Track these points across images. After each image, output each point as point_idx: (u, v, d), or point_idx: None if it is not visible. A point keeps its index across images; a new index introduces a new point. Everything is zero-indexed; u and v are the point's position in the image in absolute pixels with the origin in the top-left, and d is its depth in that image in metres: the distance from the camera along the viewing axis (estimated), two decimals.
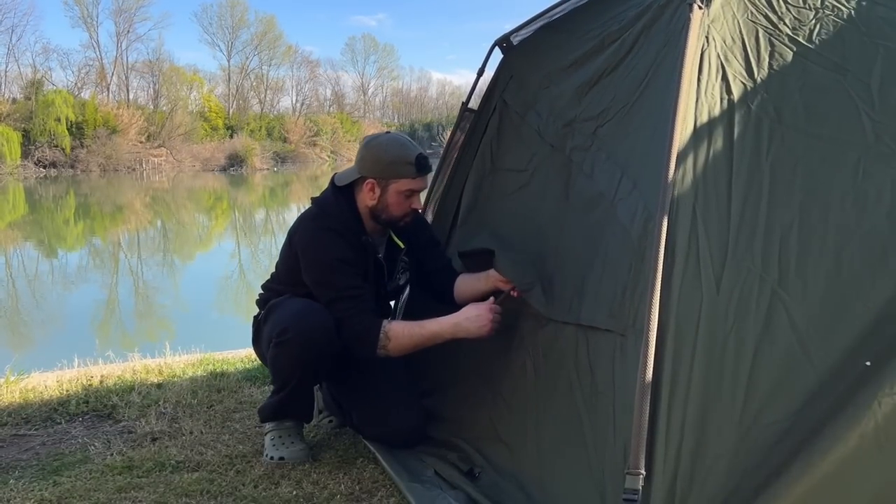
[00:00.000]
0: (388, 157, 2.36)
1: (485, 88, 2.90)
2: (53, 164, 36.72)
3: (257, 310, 2.56)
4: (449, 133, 3.07)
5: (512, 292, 2.26)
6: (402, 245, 2.58)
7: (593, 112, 2.15)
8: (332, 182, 2.48)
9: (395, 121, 73.64)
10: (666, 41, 1.93)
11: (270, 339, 2.33)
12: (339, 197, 2.44)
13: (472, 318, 2.24)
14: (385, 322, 2.33)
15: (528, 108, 2.56)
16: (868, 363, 1.46)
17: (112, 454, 2.49)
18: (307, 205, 2.50)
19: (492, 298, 2.30)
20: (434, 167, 3.12)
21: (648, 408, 1.49)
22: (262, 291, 2.60)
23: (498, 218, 2.56)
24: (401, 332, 2.31)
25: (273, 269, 2.61)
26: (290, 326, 2.27)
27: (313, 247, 2.37)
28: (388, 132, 2.48)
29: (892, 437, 1.41)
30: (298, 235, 2.42)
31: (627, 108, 2.02)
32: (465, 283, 2.56)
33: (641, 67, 2.01)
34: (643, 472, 1.46)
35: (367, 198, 2.41)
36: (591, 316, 1.87)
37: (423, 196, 2.63)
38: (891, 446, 1.41)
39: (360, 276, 2.39)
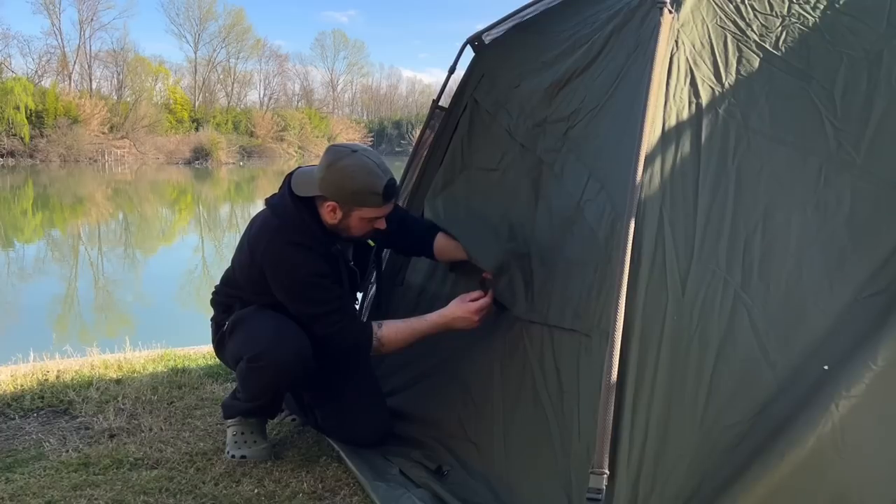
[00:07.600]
0: (353, 185, 2.17)
1: (456, 86, 2.89)
2: (11, 154, 35.82)
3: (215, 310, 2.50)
4: (418, 131, 3.05)
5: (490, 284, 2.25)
6: (372, 244, 2.49)
7: (564, 113, 2.16)
8: (289, 187, 2.28)
9: (365, 117, 73.34)
10: (636, 45, 1.95)
11: (240, 356, 2.28)
12: (300, 207, 2.25)
13: (460, 319, 2.27)
14: (375, 327, 2.31)
15: (499, 107, 2.56)
16: (826, 367, 1.49)
17: (68, 451, 2.43)
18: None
19: (480, 292, 2.28)
20: (404, 164, 3.11)
21: (613, 408, 1.50)
22: (219, 295, 2.49)
23: (469, 216, 2.55)
24: (393, 338, 2.32)
25: (228, 268, 2.49)
26: (263, 353, 2.20)
27: (284, 265, 2.23)
28: (354, 151, 2.20)
29: (848, 439, 1.44)
30: (263, 252, 2.25)
31: (597, 111, 2.03)
32: (445, 247, 2.50)
33: (612, 70, 2.03)
34: (607, 471, 1.48)
35: (327, 216, 2.25)
36: (557, 316, 1.88)
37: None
38: (847, 448, 1.44)
39: (338, 284, 2.32)
